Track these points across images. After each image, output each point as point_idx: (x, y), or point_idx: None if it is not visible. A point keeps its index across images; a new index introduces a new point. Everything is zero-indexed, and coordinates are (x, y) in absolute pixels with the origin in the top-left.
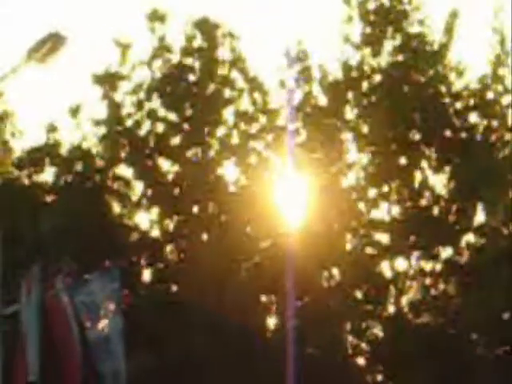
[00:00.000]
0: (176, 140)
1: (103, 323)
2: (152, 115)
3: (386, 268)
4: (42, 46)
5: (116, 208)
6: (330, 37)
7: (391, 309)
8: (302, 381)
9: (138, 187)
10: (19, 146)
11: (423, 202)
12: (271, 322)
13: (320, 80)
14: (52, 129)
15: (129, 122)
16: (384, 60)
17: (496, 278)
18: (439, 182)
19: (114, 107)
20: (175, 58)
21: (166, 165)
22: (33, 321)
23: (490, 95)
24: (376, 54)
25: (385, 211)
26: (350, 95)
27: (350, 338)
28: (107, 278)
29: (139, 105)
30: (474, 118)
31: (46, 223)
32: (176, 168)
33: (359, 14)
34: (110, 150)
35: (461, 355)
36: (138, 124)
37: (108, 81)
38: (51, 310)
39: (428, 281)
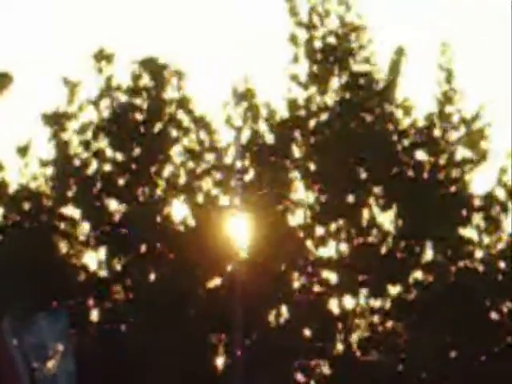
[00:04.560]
0: (123, 180)
1: (51, 363)
2: (99, 155)
3: (334, 306)
4: None
5: (63, 248)
6: (277, 75)
7: (340, 346)
8: None
9: (86, 227)
10: None
11: (371, 240)
12: (220, 361)
13: (267, 118)
14: None
15: (76, 162)
16: (331, 98)
17: (444, 315)
18: (387, 220)
19: (62, 147)
20: (122, 97)
21: (113, 204)
22: None
23: (436, 132)
24: (323, 92)
25: (333, 249)
26: (297, 134)
27: (299, 376)
28: (55, 319)
29: (86, 144)
30: (421, 155)
31: None
32: (123, 208)
33: (305, 53)
34: (58, 190)
35: None
36: (85, 164)
37: (56, 120)
38: None
39: (376, 318)
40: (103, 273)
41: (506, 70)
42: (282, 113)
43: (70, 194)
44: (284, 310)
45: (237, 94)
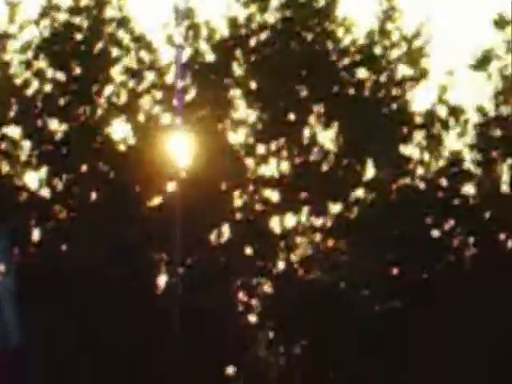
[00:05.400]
0: (64, 100)
1: None
2: (40, 75)
3: (275, 224)
4: None
5: (4, 168)
6: None
7: (281, 265)
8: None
9: (27, 147)
10: None
11: (312, 158)
12: (161, 280)
13: (207, 37)
14: None
15: (17, 82)
16: (271, 17)
17: (385, 233)
18: (328, 138)
19: (3, 66)
20: (63, 17)
21: (54, 124)
22: None
23: (377, 50)
24: (263, 10)
25: (274, 168)
26: (237, 52)
27: (241, 295)
28: None
29: (27, 64)
30: (361, 73)
31: None
32: (64, 127)
33: None
34: None
35: (352, 310)
36: (26, 84)
37: None
38: None
39: (318, 237)
40: (45, 192)
41: None
42: (223, 31)
43: (10, 114)
44: (225, 228)
45: (178, 12)
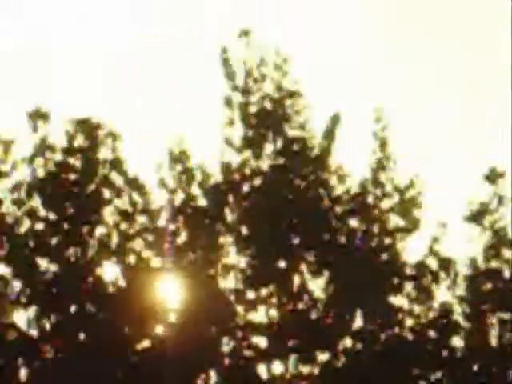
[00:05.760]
0: (55, 239)
1: None
2: (32, 214)
3: (263, 371)
4: None
5: None
6: (212, 139)
7: None
8: None
9: (17, 285)
10: None
11: (301, 306)
12: None
13: (201, 182)
14: None
15: (9, 220)
16: (265, 163)
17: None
18: (318, 286)
19: None
20: (57, 157)
21: (44, 264)
22: None
23: (370, 200)
24: (257, 156)
25: (263, 314)
26: (230, 198)
27: None
28: None
29: (19, 203)
30: (353, 222)
31: None
32: (54, 267)
33: (240, 117)
34: None
35: None
36: (17, 222)
37: None
38: None
39: None
40: (33, 332)
41: (440, 139)
42: (216, 176)
43: (1, 252)
44: (212, 373)
45: (172, 156)
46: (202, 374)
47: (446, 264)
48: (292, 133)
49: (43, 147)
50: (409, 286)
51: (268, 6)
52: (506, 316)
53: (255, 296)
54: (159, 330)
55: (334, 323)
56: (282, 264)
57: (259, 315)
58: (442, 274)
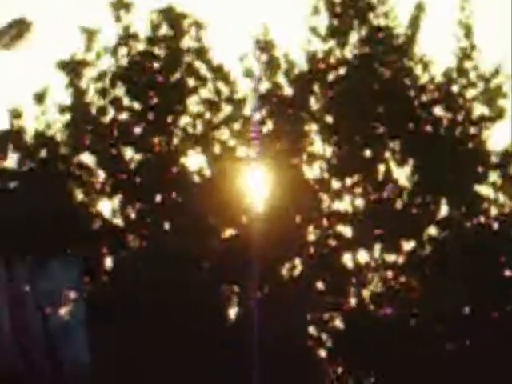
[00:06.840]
0: (140, 129)
1: (63, 310)
2: (116, 103)
3: (348, 260)
4: (7, 31)
5: (79, 195)
6: (297, 28)
7: (353, 301)
8: (265, 370)
9: (101, 175)
10: None
11: (387, 195)
12: (232, 312)
13: (286, 71)
14: (16, 115)
15: (93, 110)
16: (350, 52)
17: (457, 272)
18: (403, 175)
19: (79, 94)
20: (140, 46)
21: (129, 153)
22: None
23: (455, 88)
24: (342, 45)
25: (348, 203)
26: (315, 86)
27: (311, 330)
28: (68, 266)
29: (103, 92)
30: (438, 111)
31: (7, 210)
32: (139, 156)
33: (325, 6)
34: (74, 138)
35: (423, 348)
36: (102, 112)
37: (73, 68)
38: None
39: (390, 273)
40: (118, 221)
41: None
42: (302, 65)
43: (86, 141)
44: (298, 263)
45: (258, 45)
46: (287, 262)
47: None
48: (377, 21)
49: (127, 37)
50: (494, 175)
51: None
52: None
53: (340, 185)
54: (244, 219)
55: (418, 212)
56: (368, 153)
57: (344, 204)
58: None
